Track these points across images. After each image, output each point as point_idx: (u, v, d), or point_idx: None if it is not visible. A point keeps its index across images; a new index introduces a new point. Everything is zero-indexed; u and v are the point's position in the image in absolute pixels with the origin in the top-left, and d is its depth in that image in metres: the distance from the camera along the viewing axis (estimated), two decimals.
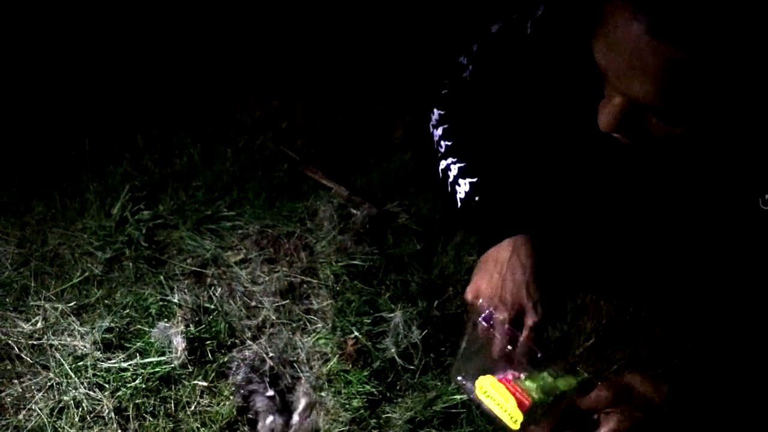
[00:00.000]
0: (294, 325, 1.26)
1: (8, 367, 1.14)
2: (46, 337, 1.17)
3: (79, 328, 1.18)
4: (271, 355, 1.21)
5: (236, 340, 1.23)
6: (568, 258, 1.28)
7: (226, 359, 1.20)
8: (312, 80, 1.76)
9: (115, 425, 1.09)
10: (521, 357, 1.09)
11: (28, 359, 1.14)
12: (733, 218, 0.99)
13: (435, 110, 1.18)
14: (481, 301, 1.11)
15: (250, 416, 1.15)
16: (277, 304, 1.28)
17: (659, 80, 0.73)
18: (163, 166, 1.50)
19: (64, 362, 1.13)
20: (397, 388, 1.22)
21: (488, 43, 1.12)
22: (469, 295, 1.13)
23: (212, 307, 1.26)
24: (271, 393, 1.17)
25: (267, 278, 1.31)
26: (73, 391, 1.11)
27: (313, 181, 1.51)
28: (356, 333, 1.24)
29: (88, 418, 1.09)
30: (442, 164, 1.16)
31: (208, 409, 1.14)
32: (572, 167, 1.16)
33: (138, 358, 1.16)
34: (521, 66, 1.09)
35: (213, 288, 1.29)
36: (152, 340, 1.19)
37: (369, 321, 1.26)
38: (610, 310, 1.38)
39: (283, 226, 1.40)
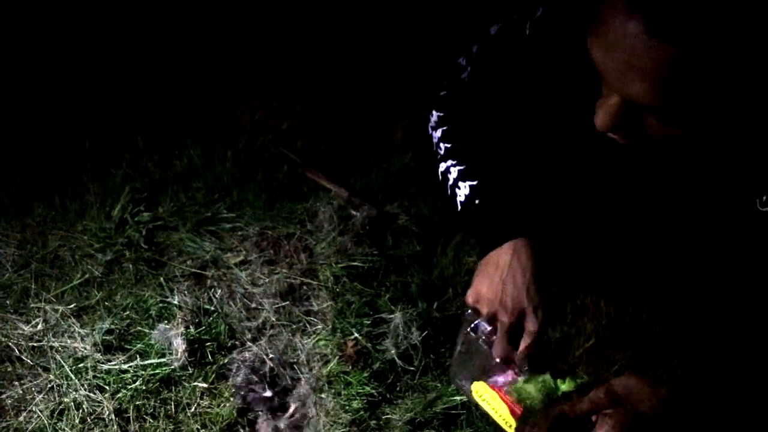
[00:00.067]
0: (294, 326, 1.26)
1: (8, 369, 1.14)
2: (46, 338, 1.17)
3: (80, 330, 1.18)
4: (271, 356, 1.21)
5: (236, 342, 1.23)
6: (569, 260, 1.28)
7: (226, 361, 1.20)
8: (312, 82, 1.76)
9: (115, 427, 1.09)
10: (521, 360, 1.09)
11: (29, 361, 1.14)
12: (731, 219, 0.99)
13: (434, 112, 1.19)
14: (480, 306, 1.12)
15: (250, 417, 1.15)
16: (277, 306, 1.28)
17: (656, 80, 0.74)
18: (163, 167, 1.50)
19: (64, 364, 1.13)
20: (397, 389, 1.22)
21: (487, 45, 1.12)
22: (469, 299, 1.13)
23: (212, 308, 1.26)
24: (271, 394, 1.17)
25: (267, 280, 1.31)
26: (74, 392, 1.11)
27: (313, 183, 1.51)
28: (356, 334, 1.24)
29: (89, 420, 1.09)
30: (442, 167, 1.16)
31: (209, 410, 1.14)
32: (571, 169, 1.16)
33: (138, 359, 1.16)
34: (520, 67, 1.09)
35: (213, 290, 1.29)
36: (152, 342, 1.19)
37: (369, 322, 1.27)
38: (610, 311, 1.37)
39: (283, 228, 1.40)
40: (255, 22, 1.85)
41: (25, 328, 1.18)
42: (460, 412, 1.19)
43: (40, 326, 1.18)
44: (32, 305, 1.22)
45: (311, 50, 1.82)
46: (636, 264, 1.31)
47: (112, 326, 1.20)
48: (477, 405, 1.13)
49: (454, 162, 1.15)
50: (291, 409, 1.17)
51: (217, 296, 1.28)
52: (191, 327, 1.21)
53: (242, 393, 1.16)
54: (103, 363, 1.15)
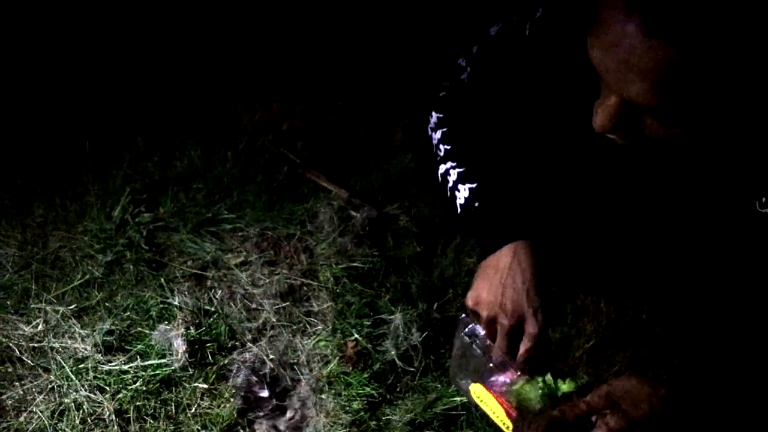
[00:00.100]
0: (294, 327, 1.26)
1: (9, 370, 1.14)
2: (46, 339, 1.17)
3: (80, 331, 1.19)
4: (271, 357, 1.21)
5: (236, 343, 1.23)
6: (568, 261, 1.28)
7: (226, 361, 1.20)
8: (312, 83, 1.76)
9: (115, 427, 1.09)
10: (521, 363, 1.09)
11: (29, 362, 1.15)
12: (730, 221, 0.99)
13: (433, 113, 1.19)
14: (480, 309, 1.12)
15: (250, 418, 1.15)
16: (277, 307, 1.28)
17: (654, 80, 0.74)
18: (163, 168, 1.50)
19: (64, 365, 1.14)
20: (397, 390, 1.22)
21: (487, 45, 1.12)
22: (469, 301, 1.13)
23: (212, 309, 1.26)
24: (271, 395, 1.17)
25: (267, 280, 1.31)
26: (74, 393, 1.11)
27: (313, 184, 1.52)
28: (356, 335, 1.24)
29: (89, 421, 1.09)
30: (441, 168, 1.16)
31: (209, 411, 1.14)
32: (571, 170, 1.16)
33: (139, 360, 1.16)
34: (520, 68, 1.09)
35: (213, 290, 1.29)
36: (153, 343, 1.19)
37: (369, 323, 1.27)
38: (610, 312, 1.37)
39: (283, 229, 1.40)
40: (255, 23, 1.85)
41: (26, 329, 1.18)
42: (460, 413, 1.19)
43: (40, 327, 1.19)
44: (33, 306, 1.22)
45: (311, 51, 1.82)
46: (636, 265, 1.31)
47: (113, 327, 1.20)
48: (476, 405, 1.13)
49: (453, 164, 1.15)
50: (291, 410, 1.18)
51: (217, 297, 1.28)
52: (191, 328, 1.21)
53: (242, 394, 1.16)
54: (103, 364, 1.15)
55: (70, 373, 1.13)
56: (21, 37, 1.70)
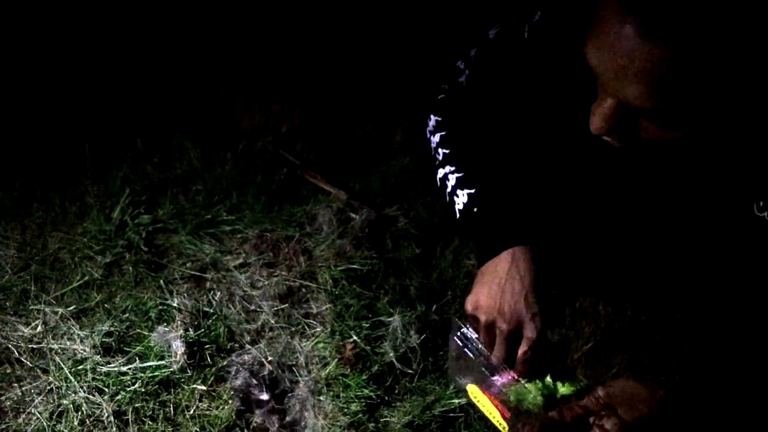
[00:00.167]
0: (293, 329, 1.26)
1: (8, 371, 1.14)
2: (45, 341, 1.18)
3: (79, 332, 1.19)
4: (270, 359, 1.21)
5: (235, 344, 1.23)
6: (567, 264, 1.28)
7: (225, 363, 1.20)
8: (311, 84, 1.76)
9: (114, 429, 1.09)
10: (520, 366, 1.10)
11: (28, 363, 1.15)
12: (728, 224, 0.99)
13: (432, 116, 1.19)
14: (479, 313, 1.12)
15: (249, 420, 1.15)
16: (276, 308, 1.28)
17: (650, 82, 0.74)
18: (162, 170, 1.50)
19: (63, 366, 1.14)
20: (396, 392, 1.22)
21: (486, 48, 1.12)
22: (468, 306, 1.13)
23: (211, 311, 1.26)
24: (269, 397, 1.17)
25: (266, 282, 1.31)
26: (73, 395, 1.11)
27: (313, 186, 1.52)
28: (355, 337, 1.24)
29: (88, 422, 1.09)
30: (440, 172, 1.17)
31: (207, 412, 1.14)
32: (569, 173, 1.17)
33: (137, 362, 1.16)
34: (519, 70, 1.09)
35: (212, 292, 1.29)
36: (152, 344, 1.19)
37: (368, 325, 1.27)
38: (608, 314, 1.38)
39: (282, 231, 1.40)
40: (254, 25, 1.85)
41: (25, 330, 1.18)
42: (458, 414, 1.19)
43: (39, 328, 1.19)
44: (32, 307, 1.22)
45: (311, 53, 1.82)
46: (634, 267, 1.31)
47: (112, 328, 1.20)
48: (474, 405, 1.13)
49: (452, 168, 1.15)
50: (289, 412, 1.18)
51: (216, 299, 1.28)
52: (190, 329, 1.21)
53: (241, 395, 1.17)
54: (102, 365, 1.15)
55: (68, 374, 1.13)
56: (21, 38, 1.70)
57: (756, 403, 0.98)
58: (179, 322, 1.21)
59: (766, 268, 0.99)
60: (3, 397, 1.11)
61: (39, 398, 1.11)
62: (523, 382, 1.08)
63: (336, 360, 1.22)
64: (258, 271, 1.33)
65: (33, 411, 1.09)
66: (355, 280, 1.34)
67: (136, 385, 1.13)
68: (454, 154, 1.15)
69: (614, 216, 1.20)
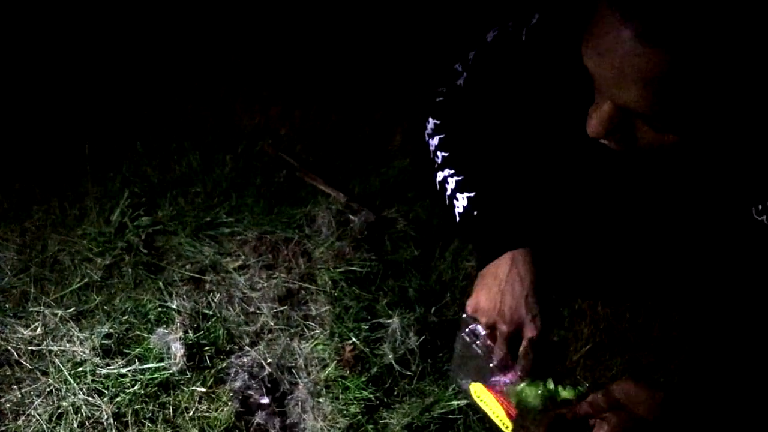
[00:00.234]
0: (292, 331, 1.27)
1: (7, 373, 1.14)
2: (45, 342, 1.18)
3: (79, 334, 1.19)
4: (269, 360, 1.21)
5: (234, 346, 1.23)
6: (567, 266, 1.28)
7: (224, 365, 1.20)
8: (311, 86, 1.76)
9: (113, 431, 1.09)
10: (521, 368, 1.10)
11: (28, 365, 1.15)
12: (727, 227, 0.99)
13: (430, 119, 1.19)
14: (479, 316, 1.13)
15: (248, 422, 1.15)
16: (275, 310, 1.28)
17: (648, 86, 0.74)
18: (162, 172, 1.51)
19: (63, 368, 1.14)
20: (395, 393, 1.22)
21: (484, 51, 1.12)
22: (469, 309, 1.14)
23: (211, 313, 1.26)
24: (269, 399, 1.17)
25: (265, 284, 1.31)
26: (72, 396, 1.11)
27: (312, 188, 1.52)
28: (354, 339, 1.25)
29: (87, 424, 1.09)
30: (439, 176, 1.17)
31: (207, 414, 1.14)
32: (567, 176, 1.17)
33: (137, 364, 1.17)
34: (516, 73, 1.09)
35: (212, 294, 1.29)
36: (151, 346, 1.19)
37: (367, 327, 1.27)
38: (607, 316, 1.38)
39: (281, 233, 1.40)
40: (254, 27, 1.85)
41: (24, 332, 1.19)
42: (458, 416, 1.19)
43: (39, 330, 1.19)
44: (31, 309, 1.22)
45: (310, 55, 1.82)
46: (633, 269, 1.31)
47: (111, 330, 1.20)
48: (476, 405, 1.13)
49: (451, 172, 1.15)
50: (289, 414, 1.18)
51: (215, 301, 1.28)
52: (190, 331, 1.21)
53: (240, 397, 1.17)
54: (101, 367, 1.15)
55: (68, 376, 1.13)
56: (20, 40, 1.71)
57: (755, 405, 0.98)
58: (178, 324, 1.22)
59: (764, 271, 1.00)
60: (2, 399, 1.11)
61: (38, 400, 1.11)
62: (524, 383, 1.08)
63: (335, 362, 1.22)
64: (257, 273, 1.33)
65: (32, 413, 1.09)
66: (354, 281, 1.34)
67: (136, 387, 1.13)
68: (453, 157, 1.16)
69: (613, 218, 1.20)
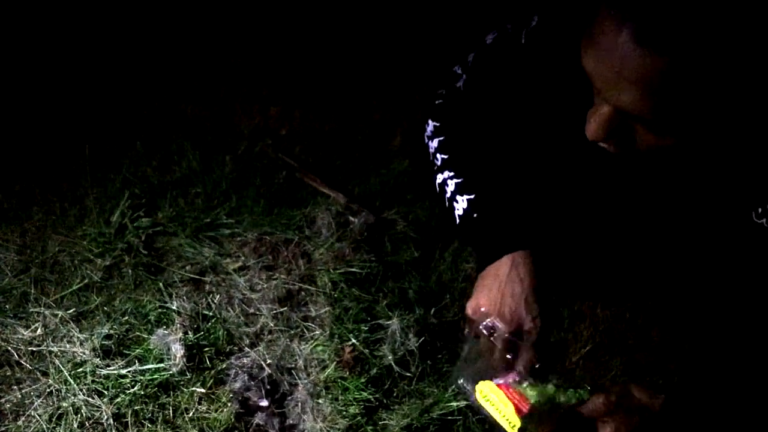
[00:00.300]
0: (292, 332, 1.27)
1: (8, 374, 1.14)
2: (45, 343, 1.18)
3: (79, 335, 1.19)
4: (269, 361, 1.21)
5: (234, 347, 1.23)
6: (566, 268, 1.29)
7: (224, 366, 1.20)
8: (310, 87, 1.76)
9: (113, 431, 1.09)
10: (522, 369, 1.10)
11: (28, 366, 1.15)
12: (726, 230, 0.99)
13: (430, 121, 1.19)
14: (480, 317, 1.13)
15: (248, 422, 1.15)
16: (275, 311, 1.28)
17: (646, 89, 0.74)
18: (162, 173, 1.51)
19: (63, 369, 1.14)
20: (394, 395, 1.22)
21: (483, 53, 1.12)
22: (469, 310, 1.14)
23: (211, 314, 1.26)
24: (268, 400, 1.17)
25: (265, 285, 1.31)
26: (72, 397, 1.11)
27: (312, 189, 1.52)
28: (354, 340, 1.25)
29: (87, 425, 1.09)
30: (439, 178, 1.17)
31: (206, 415, 1.15)
32: (566, 178, 1.17)
33: (137, 364, 1.17)
34: (516, 76, 1.09)
35: (211, 295, 1.30)
36: (151, 347, 1.19)
37: (366, 328, 1.27)
38: (606, 317, 1.38)
39: (281, 234, 1.40)
40: (254, 28, 1.85)
41: (25, 333, 1.19)
42: (457, 417, 1.19)
43: (39, 331, 1.19)
44: (32, 310, 1.22)
45: (310, 55, 1.82)
46: (632, 270, 1.32)
47: (111, 331, 1.20)
48: (479, 407, 1.13)
49: (451, 174, 1.15)
50: (288, 415, 1.18)
51: (215, 302, 1.29)
52: (190, 332, 1.21)
53: (240, 398, 1.17)
54: (101, 368, 1.15)
55: (68, 377, 1.13)
56: (20, 40, 1.71)
57: (755, 406, 0.99)
58: (178, 325, 1.22)
59: (764, 274, 1.00)
60: (3, 400, 1.11)
61: (38, 401, 1.11)
62: (524, 385, 1.08)
63: (335, 363, 1.22)
64: (257, 274, 1.33)
65: (32, 413, 1.10)
66: (354, 283, 1.34)
67: (136, 388, 1.14)
68: (453, 159, 1.16)
69: (612, 220, 1.21)
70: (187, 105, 1.69)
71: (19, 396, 1.11)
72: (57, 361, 1.15)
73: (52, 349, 1.17)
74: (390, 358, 1.24)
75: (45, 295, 1.25)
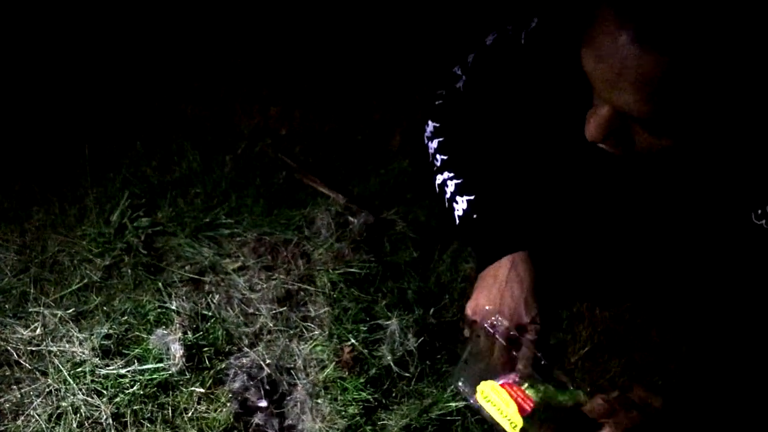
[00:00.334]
0: (291, 332, 1.27)
1: (7, 373, 1.14)
2: (44, 343, 1.18)
3: (78, 335, 1.19)
4: (268, 362, 1.21)
5: (233, 347, 1.24)
6: (566, 268, 1.29)
7: (223, 366, 1.20)
8: (310, 87, 1.77)
9: (113, 431, 1.09)
10: (522, 368, 1.10)
11: (27, 365, 1.15)
12: (726, 232, 1.00)
13: (429, 122, 1.20)
14: (480, 317, 1.13)
15: (247, 422, 1.16)
16: (274, 312, 1.28)
17: (645, 90, 0.75)
18: (162, 173, 1.51)
19: (62, 368, 1.14)
20: (393, 395, 1.22)
21: (483, 54, 1.13)
22: (468, 310, 1.15)
23: (210, 314, 1.26)
24: (267, 400, 1.17)
25: (264, 285, 1.31)
26: (72, 397, 1.11)
27: (311, 189, 1.52)
28: (353, 340, 1.25)
29: (86, 424, 1.10)
30: (439, 179, 1.17)
31: (205, 415, 1.15)
32: (566, 178, 1.17)
33: (136, 364, 1.17)
34: (515, 77, 1.10)
35: (211, 295, 1.30)
36: (150, 347, 1.19)
37: (365, 328, 1.27)
38: (605, 318, 1.38)
39: (280, 234, 1.40)
40: (254, 28, 1.86)
41: (24, 333, 1.19)
42: (456, 418, 1.19)
43: (38, 330, 1.19)
44: (31, 309, 1.22)
45: (310, 55, 1.82)
46: (631, 271, 1.32)
47: (111, 331, 1.20)
48: (478, 409, 1.13)
49: (451, 175, 1.16)
50: (287, 415, 1.18)
51: (214, 302, 1.29)
52: (189, 332, 1.21)
53: (239, 398, 1.17)
54: (101, 368, 1.15)
55: (67, 376, 1.13)
56: (20, 40, 1.71)
57: (754, 406, 0.99)
58: (178, 324, 1.22)
59: (763, 275, 1.00)
60: (2, 399, 1.11)
61: (38, 400, 1.11)
62: (525, 385, 1.09)
63: (334, 363, 1.22)
64: (256, 274, 1.33)
65: (32, 413, 1.10)
66: (353, 283, 1.34)
67: (135, 388, 1.14)
68: (453, 160, 1.16)
69: (611, 221, 1.21)
70: (187, 105, 1.69)
71: (19, 395, 1.12)
72: (56, 361, 1.15)
73: (51, 348, 1.17)
74: (389, 358, 1.24)
75: (44, 294, 1.25)
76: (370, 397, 1.19)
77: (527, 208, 1.16)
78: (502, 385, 1.10)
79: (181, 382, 1.17)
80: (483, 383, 1.12)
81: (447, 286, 1.40)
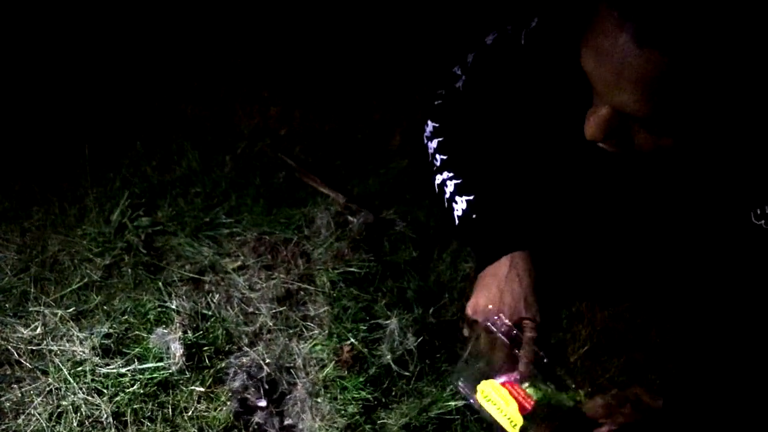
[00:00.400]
0: (291, 331, 1.27)
1: (7, 372, 1.15)
2: (45, 342, 1.18)
3: (78, 334, 1.19)
4: (267, 361, 1.22)
5: (233, 346, 1.24)
6: (565, 268, 1.29)
7: (223, 365, 1.20)
8: (310, 87, 1.77)
9: (113, 430, 1.09)
10: (522, 369, 1.10)
11: (27, 364, 1.15)
12: (725, 231, 1.00)
13: (429, 122, 1.20)
14: (480, 317, 1.13)
15: (247, 421, 1.16)
16: (274, 311, 1.28)
17: (645, 89, 0.75)
18: (162, 172, 1.51)
19: (62, 367, 1.14)
20: (393, 394, 1.23)
21: (483, 54, 1.13)
22: (469, 310, 1.15)
23: (210, 313, 1.26)
24: (267, 399, 1.17)
25: (264, 285, 1.32)
26: (72, 396, 1.11)
27: (311, 188, 1.52)
28: (352, 339, 1.25)
29: (87, 423, 1.10)
30: (438, 179, 1.18)
31: (205, 414, 1.15)
32: (565, 178, 1.17)
33: (136, 363, 1.17)
34: (515, 77, 1.10)
35: (211, 294, 1.30)
36: (150, 346, 1.19)
37: (365, 327, 1.27)
38: (605, 318, 1.38)
39: (280, 233, 1.40)
40: (253, 28, 1.86)
41: (24, 332, 1.19)
42: (455, 417, 1.19)
43: (39, 330, 1.19)
44: (31, 309, 1.23)
45: (310, 55, 1.83)
46: (631, 271, 1.32)
47: (111, 330, 1.20)
48: (478, 408, 1.13)
49: (450, 175, 1.16)
50: (287, 414, 1.18)
51: (214, 301, 1.29)
52: (189, 331, 1.21)
53: (239, 397, 1.17)
54: (101, 367, 1.15)
55: (68, 375, 1.13)
56: (20, 40, 1.71)
57: (754, 406, 0.99)
58: (178, 324, 1.22)
59: (762, 275, 1.00)
60: (2, 398, 1.11)
61: (38, 399, 1.11)
62: (525, 385, 1.09)
63: (333, 362, 1.22)
64: (256, 273, 1.33)
65: (32, 412, 1.10)
66: (352, 282, 1.34)
67: (135, 387, 1.14)
68: (452, 160, 1.16)
69: (610, 220, 1.21)
70: (187, 105, 1.69)
71: (19, 394, 1.12)
72: (56, 360, 1.15)
73: (51, 347, 1.17)
74: (388, 357, 1.24)
75: (45, 294, 1.26)
76: (369, 396, 1.19)
77: (526, 208, 1.16)
78: (503, 384, 1.10)
79: (181, 381, 1.17)
80: (483, 382, 1.12)
81: (446, 285, 1.40)
